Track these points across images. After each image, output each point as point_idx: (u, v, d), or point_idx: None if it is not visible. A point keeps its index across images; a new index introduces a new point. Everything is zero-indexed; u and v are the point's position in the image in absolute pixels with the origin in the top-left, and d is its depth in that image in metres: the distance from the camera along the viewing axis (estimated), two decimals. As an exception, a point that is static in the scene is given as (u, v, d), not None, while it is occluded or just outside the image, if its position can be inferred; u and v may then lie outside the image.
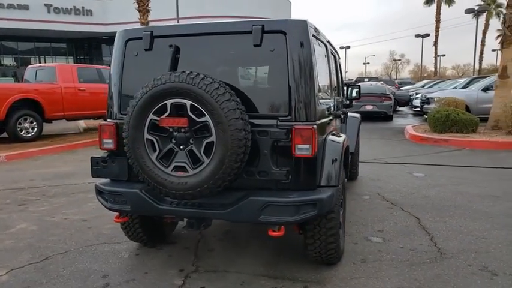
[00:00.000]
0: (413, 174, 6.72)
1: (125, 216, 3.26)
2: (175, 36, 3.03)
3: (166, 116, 2.68)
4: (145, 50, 3.06)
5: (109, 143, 3.18)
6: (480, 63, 42.25)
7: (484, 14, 38.60)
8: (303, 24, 2.81)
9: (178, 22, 22.63)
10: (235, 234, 4.10)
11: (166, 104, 2.66)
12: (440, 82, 23.71)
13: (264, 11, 32.04)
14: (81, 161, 8.32)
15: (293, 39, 2.77)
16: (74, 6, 32.12)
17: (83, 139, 10.94)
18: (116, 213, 3.32)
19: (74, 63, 32.88)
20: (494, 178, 6.33)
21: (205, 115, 2.60)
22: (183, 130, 2.69)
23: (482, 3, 37.93)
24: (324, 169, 2.89)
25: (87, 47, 38.65)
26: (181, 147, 2.72)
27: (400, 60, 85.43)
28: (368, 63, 78.79)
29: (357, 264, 3.40)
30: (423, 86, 24.46)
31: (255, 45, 2.81)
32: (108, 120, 3.24)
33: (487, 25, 41.02)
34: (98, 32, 33.32)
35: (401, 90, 24.96)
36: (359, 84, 6.34)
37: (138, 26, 25.86)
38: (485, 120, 10.88)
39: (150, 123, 2.72)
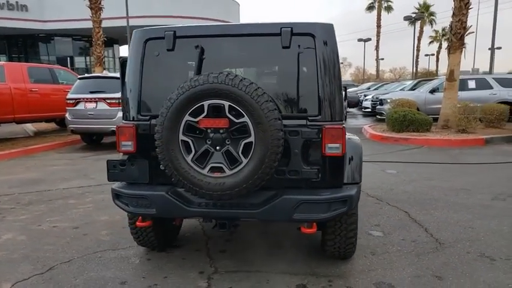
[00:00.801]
0: (386, 171, 7.10)
1: (149, 220, 3.16)
2: (199, 37, 3.01)
3: (204, 117, 2.66)
4: (168, 50, 3.01)
5: (128, 145, 3.09)
6: (416, 67, 45.21)
7: (419, 21, 41.38)
8: (330, 27, 2.92)
9: (128, 21, 21.94)
10: (241, 235, 4.12)
11: (203, 105, 2.65)
12: (385, 84, 25.01)
13: (212, 12, 31.98)
14: (45, 166, 7.86)
15: (321, 42, 2.87)
16: (7, 1, 29.89)
17: (39, 143, 10.30)
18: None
19: (7, 61, 30.68)
20: (459, 173, 6.88)
21: (244, 116, 2.62)
22: (220, 131, 2.69)
23: (416, 11, 40.66)
24: (349, 167, 3.02)
25: (22, 45, 36.14)
26: (217, 147, 2.72)
27: (342, 63, 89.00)
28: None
29: (368, 257, 3.57)
30: (369, 88, 25.68)
31: (284, 47, 2.88)
32: (126, 122, 3.14)
33: (421, 32, 43.93)
34: (34, 29, 31.33)
35: (349, 92, 26.01)
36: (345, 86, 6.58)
37: (81, 24, 24.64)
38: (434, 120, 11.69)
39: (185, 124, 2.69)
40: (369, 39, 42.67)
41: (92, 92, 9.74)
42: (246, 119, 2.62)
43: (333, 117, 2.88)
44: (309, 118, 2.87)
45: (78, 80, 10.56)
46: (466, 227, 4.29)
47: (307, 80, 2.90)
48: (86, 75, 12.28)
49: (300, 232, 3.02)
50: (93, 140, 10.83)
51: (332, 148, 2.83)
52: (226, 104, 2.62)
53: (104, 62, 16.50)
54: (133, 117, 3.11)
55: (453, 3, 11.32)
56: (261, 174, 2.66)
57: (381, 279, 3.17)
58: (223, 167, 2.71)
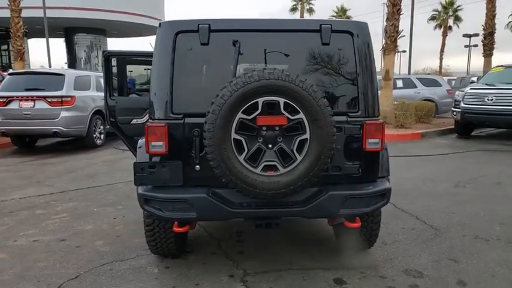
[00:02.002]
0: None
1: (187, 225, 2.96)
2: (235, 31, 2.90)
3: (260, 115, 2.57)
4: (202, 44, 2.86)
5: (159, 146, 2.87)
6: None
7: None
8: (366, 26, 2.99)
9: (44, 10, 19.94)
10: (249, 234, 4.05)
11: (257, 102, 2.56)
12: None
13: (137, 7, 30.62)
14: (-17, 174, 6.94)
15: (359, 40, 2.94)
16: None
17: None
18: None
19: None
20: (420, 164, 7.47)
21: (299, 112, 2.59)
22: (276, 128, 2.62)
23: (335, 14, 43.15)
24: (382, 161, 3.13)
25: None
26: (270, 145, 2.65)
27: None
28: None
29: (382, 247, 3.74)
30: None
31: (324, 44, 2.89)
32: (156, 121, 2.91)
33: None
34: None
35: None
36: None
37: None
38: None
39: (238, 122, 2.58)
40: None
41: (27, 90, 8.79)
42: (301, 115, 2.59)
43: (372, 113, 2.96)
44: (349, 114, 2.92)
45: (8, 76, 9.48)
46: (449, 213, 4.68)
47: (347, 77, 2.95)
48: (19, 70, 11.06)
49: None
50: (26, 143, 9.81)
51: (372, 143, 2.91)
52: (282, 100, 2.57)
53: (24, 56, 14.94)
54: (164, 116, 2.89)
55: (387, 9, 12.20)
56: (317, 171, 2.65)
57: (406, 266, 3.34)
58: (277, 165, 2.65)
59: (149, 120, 2.95)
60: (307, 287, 3.04)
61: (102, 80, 10.78)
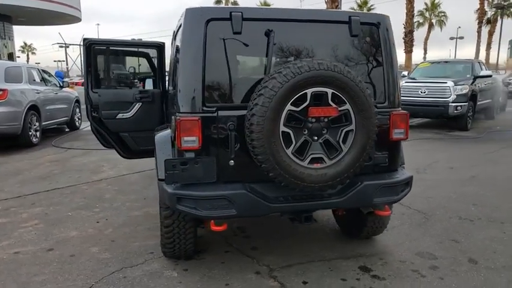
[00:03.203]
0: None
1: (225, 223, 2.80)
2: (267, 20, 2.80)
3: (310, 106, 2.52)
4: (234, 33, 2.72)
5: (193, 141, 2.68)
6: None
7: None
8: (388, 18, 3.07)
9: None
10: (253, 230, 3.97)
11: (306, 93, 2.51)
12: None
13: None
14: None
15: (384, 32, 3.01)
16: None
17: None
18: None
19: None
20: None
21: (346, 103, 2.59)
22: (324, 120, 2.59)
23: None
24: (402, 150, 3.25)
25: None
26: (315, 137, 2.61)
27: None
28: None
29: (385, 232, 3.88)
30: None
31: (353, 35, 2.92)
32: (188, 114, 2.71)
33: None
34: None
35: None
36: None
37: None
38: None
39: (286, 114, 2.50)
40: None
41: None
42: (348, 106, 2.60)
43: (397, 104, 3.05)
44: (377, 105, 2.98)
45: None
46: (426, 197, 5.02)
47: (374, 68, 3.00)
48: None
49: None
50: None
51: (398, 133, 3.01)
52: (330, 91, 2.55)
53: None
54: (197, 109, 2.70)
55: (325, 5, 12.66)
56: (361, 162, 2.68)
57: (416, 249, 3.53)
58: (323, 157, 2.63)
59: (178, 114, 2.73)
60: (338, 277, 3.07)
61: (34, 72, 9.93)
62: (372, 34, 2.99)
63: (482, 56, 42.65)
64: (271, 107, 2.45)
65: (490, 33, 43.82)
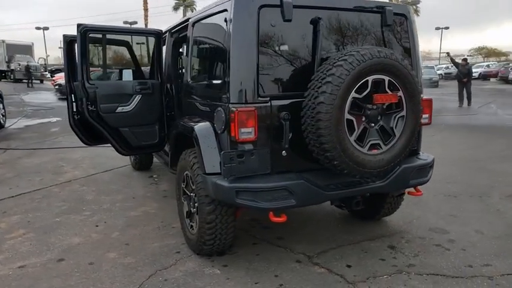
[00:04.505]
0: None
1: (283, 214, 2.74)
2: (315, 8, 2.80)
3: (369, 93, 2.58)
4: (285, 20, 2.68)
5: (249, 132, 2.61)
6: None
7: (181, 8, 43.98)
8: (411, 9, 3.23)
9: None
10: (267, 220, 3.96)
11: (368, 80, 2.57)
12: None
13: None
14: None
15: (411, 22, 3.18)
16: None
17: None
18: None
19: None
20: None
21: (399, 90, 2.69)
22: (382, 107, 2.66)
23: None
24: None
25: None
26: (372, 124, 2.69)
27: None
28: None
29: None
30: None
31: (386, 25, 3.04)
32: (242, 105, 2.61)
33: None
34: None
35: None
36: None
37: None
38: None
39: (351, 102, 2.54)
40: (135, 22, 41.87)
41: None
42: (401, 93, 2.71)
43: (422, 90, 3.24)
44: None
45: None
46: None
47: (405, 56, 3.14)
48: None
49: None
50: None
51: (424, 118, 3.21)
52: (387, 78, 2.64)
53: None
54: (252, 100, 2.62)
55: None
56: (411, 145, 2.82)
57: (427, 226, 3.81)
58: (380, 143, 2.72)
59: (232, 106, 2.62)
60: (376, 257, 3.20)
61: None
62: (401, 24, 3.13)
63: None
64: (339, 94, 2.47)
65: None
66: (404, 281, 2.86)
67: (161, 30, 4.13)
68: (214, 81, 2.95)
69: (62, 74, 24.61)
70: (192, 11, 44.42)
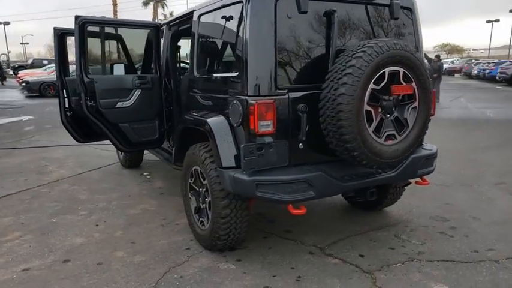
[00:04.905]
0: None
1: (303, 207, 2.73)
2: (329, 0, 2.81)
3: (386, 85, 2.62)
4: (300, 12, 2.68)
5: (268, 125, 2.60)
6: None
7: (152, 4, 43.20)
8: (416, 2, 3.30)
9: None
10: (271, 214, 3.97)
11: (384, 72, 2.60)
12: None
13: None
14: None
15: (415, 15, 3.24)
16: None
17: None
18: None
19: None
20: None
21: (412, 81, 2.75)
22: (398, 98, 2.71)
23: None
24: None
25: None
26: (387, 115, 2.73)
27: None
28: (27, 43, 69.60)
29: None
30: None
31: (394, 18, 3.09)
32: (260, 97, 2.60)
33: (155, 13, 45.13)
34: None
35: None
36: None
37: None
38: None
39: (370, 93, 2.57)
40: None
41: None
42: (414, 84, 2.76)
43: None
44: None
45: None
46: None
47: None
48: None
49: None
50: None
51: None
52: (401, 70, 2.68)
53: None
54: (269, 92, 2.61)
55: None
56: (422, 136, 2.88)
57: (427, 214, 3.92)
58: (395, 133, 2.76)
59: (249, 98, 2.59)
60: (386, 247, 3.26)
61: None
62: (406, 18, 3.19)
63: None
64: (360, 86, 2.49)
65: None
66: (418, 268, 2.93)
67: (160, 24, 4.04)
68: (228, 74, 2.91)
69: (27, 71, 23.70)
70: (163, 7, 43.86)
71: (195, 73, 3.36)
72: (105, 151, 6.86)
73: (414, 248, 3.24)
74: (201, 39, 3.32)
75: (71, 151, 7.00)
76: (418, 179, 3.35)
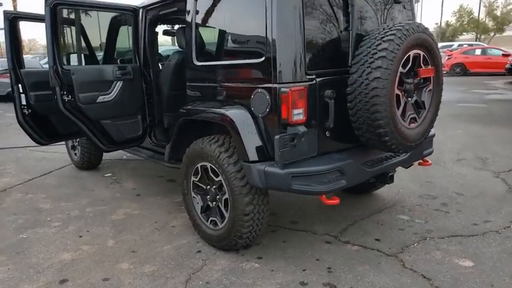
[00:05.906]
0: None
1: (336, 197, 2.62)
2: None
3: (412, 68, 2.61)
4: None
5: (300, 113, 2.47)
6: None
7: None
8: None
9: None
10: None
11: (409, 55, 2.59)
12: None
13: None
14: None
15: (412, 1, 3.29)
16: None
17: None
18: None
19: None
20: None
21: (429, 64, 2.78)
22: (421, 81, 2.72)
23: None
24: None
25: None
26: (409, 98, 2.73)
27: None
28: None
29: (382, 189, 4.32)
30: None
31: (396, 2, 3.11)
32: (290, 84, 2.44)
33: None
34: None
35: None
36: None
37: None
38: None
39: (398, 76, 2.54)
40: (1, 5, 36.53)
41: None
42: (431, 67, 2.79)
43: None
44: None
45: None
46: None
47: None
48: None
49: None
50: None
51: None
52: (422, 53, 2.69)
53: None
54: (300, 78, 2.46)
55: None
56: (435, 117, 2.94)
57: (415, 194, 4.09)
58: (416, 116, 2.78)
59: (280, 85, 2.42)
60: (395, 229, 3.32)
61: None
62: (407, 2, 3.22)
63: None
64: (393, 69, 2.45)
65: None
66: (435, 245, 3.02)
67: (137, 7, 3.61)
68: (246, 61, 2.69)
69: None
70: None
71: (195, 61, 3.06)
72: (48, 153, 6.14)
73: (421, 226, 3.34)
74: (201, 23, 3.03)
75: (3, 156, 6.14)
76: (421, 161, 3.43)
